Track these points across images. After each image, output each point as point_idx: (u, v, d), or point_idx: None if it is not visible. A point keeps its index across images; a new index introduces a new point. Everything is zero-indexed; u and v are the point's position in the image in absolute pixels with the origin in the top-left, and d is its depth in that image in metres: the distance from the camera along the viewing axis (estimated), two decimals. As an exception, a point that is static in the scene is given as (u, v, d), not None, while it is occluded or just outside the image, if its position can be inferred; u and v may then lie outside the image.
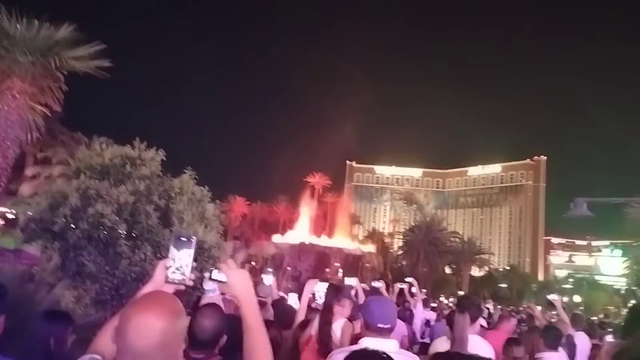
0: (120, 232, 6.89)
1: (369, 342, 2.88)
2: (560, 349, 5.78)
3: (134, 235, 6.96)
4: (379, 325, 3.15)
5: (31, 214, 7.90)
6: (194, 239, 2.09)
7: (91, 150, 7.32)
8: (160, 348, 1.65)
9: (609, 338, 7.80)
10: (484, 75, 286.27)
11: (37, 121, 10.73)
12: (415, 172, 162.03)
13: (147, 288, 2.04)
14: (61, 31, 8.49)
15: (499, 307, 16.71)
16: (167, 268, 2.07)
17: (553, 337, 5.67)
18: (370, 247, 71.45)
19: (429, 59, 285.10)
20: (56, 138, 13.52)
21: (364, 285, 8.81)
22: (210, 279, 2.13)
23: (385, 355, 2.17)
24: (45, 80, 9.87)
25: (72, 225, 7.00)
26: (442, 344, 4.79)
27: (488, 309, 14.97)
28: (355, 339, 3.88)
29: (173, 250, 2.07)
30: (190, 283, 2.07)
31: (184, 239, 2.09)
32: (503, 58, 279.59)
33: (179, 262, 2.06)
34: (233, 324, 3.33)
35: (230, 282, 2.09)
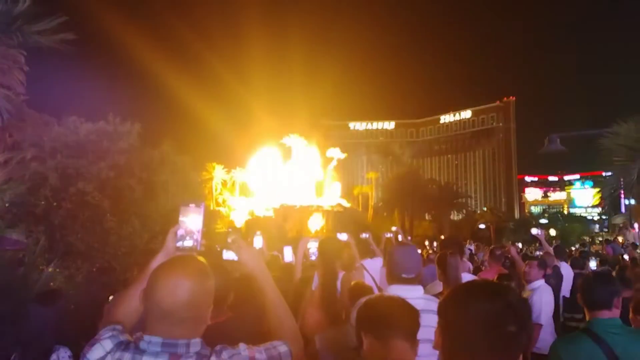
0: (105, 208, 6.83)
1: (395, 290, 2.96)
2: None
3: (120, 210, 6.89)
4: (403, 275, 3.21)
5: (10, 199, 7.74)
6: (202, 205, 2.07)
7: (65, 129, 7.12)
8: (189, 307, 1.66)
9: (592, 265, 8.10)
10: (448, 22, 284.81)
11: (3, 104, 10.35)
12: (389, 125, 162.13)
13: (159, 257, 2.01)
14: (19, 5, 8.09)
15: (484, 245, 17.16)
16: (177, 235, 2.04)
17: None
18: (350, 202, 72.03)
19: (393, 12, 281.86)
20: (24, 121, 13.07)
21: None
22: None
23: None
24: (5, 60, 9.46)
25: (55, 205, 6.90)
26: (435, 287, 4.96)
27: (471, 250, 15.38)
28: (353, 289, 3.95)
29: (182, 217, 2.04)
30: (202, 249, 2.05)
31: (192, 205, 2.07)
32: (465, 4, 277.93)
33: (189, 229, 2.03)
34: (239, 283, 3.38)
35: (244, 260, 2.09)
